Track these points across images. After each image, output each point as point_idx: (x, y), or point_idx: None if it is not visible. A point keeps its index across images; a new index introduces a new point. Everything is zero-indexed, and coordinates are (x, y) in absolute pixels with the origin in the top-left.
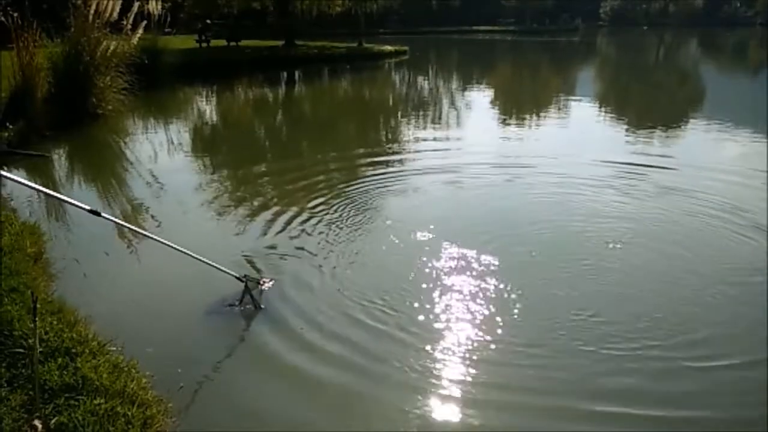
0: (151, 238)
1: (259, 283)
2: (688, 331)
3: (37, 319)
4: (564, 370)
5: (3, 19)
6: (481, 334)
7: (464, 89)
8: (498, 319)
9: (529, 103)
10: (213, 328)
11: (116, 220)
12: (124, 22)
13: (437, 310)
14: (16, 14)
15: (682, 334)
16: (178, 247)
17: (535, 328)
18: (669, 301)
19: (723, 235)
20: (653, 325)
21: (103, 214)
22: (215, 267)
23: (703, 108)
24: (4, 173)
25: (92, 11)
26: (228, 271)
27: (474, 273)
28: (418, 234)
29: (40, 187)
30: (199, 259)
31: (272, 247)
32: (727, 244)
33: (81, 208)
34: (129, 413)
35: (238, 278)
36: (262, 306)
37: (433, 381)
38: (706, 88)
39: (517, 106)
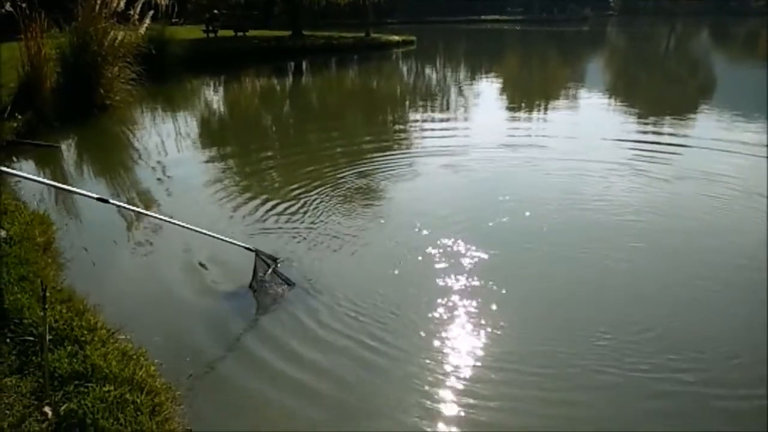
0: (160, 219)
1: (273, 260)
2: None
3: (46, 307)
4: (576, 396)
5: (11, 9)
6: (483, 348)
7: (472, 79)
8: (498, 330)
9: (538, 93)
10: (221, 317)
11: (125, 205)
12: (132, 12)
13: (428, 318)
14: (24, 5)
15: (718, 356)
16: (184, 224)
17: (540, 344)
18: (693, 310)
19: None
20: (678, 346)
21: (111, 201)
22: (225, 240)
23: (713, 98)
24: (5, 168)
25: (99, 1)
26: (238, 243)
27: (477, 271)
28: (418, 226)
29: (45, 180)
30: (208, 234)
31: (277, 234)
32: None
33: (88, 196)
34: (138, 400)
35: (247, 249)
36: (293, 282)
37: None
38: (717, 78)
39: (525, 96)
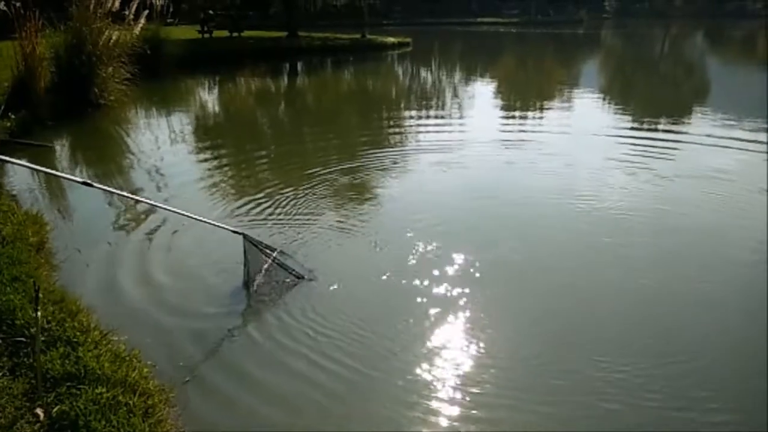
0: (145, 202)
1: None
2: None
3: (39, 308)
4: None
5: (5, 8)
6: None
7: (467, 81)
8: (488, 350)
9: (533, 94)
10: (215, 318)
11: (109, 188)
12: (126, 12)
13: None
14: (18, 4)
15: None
16: (168, 207)
17: (535, 367)
18: (712, 330)
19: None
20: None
21: (94, 184)
22: (211, 224)
23: (708, 101)
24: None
25: (94, 1)
26: (225, 226)
27: (468, 280)
28: (408, 227)
29: (31, 165)
30: (196, 218)
31: (266, 231)
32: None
33: (73, 180)
34: (131, 402)
35: (235, 232)
36: (302, 275)
37: None
38: (711, 81)
39: (520, 97)
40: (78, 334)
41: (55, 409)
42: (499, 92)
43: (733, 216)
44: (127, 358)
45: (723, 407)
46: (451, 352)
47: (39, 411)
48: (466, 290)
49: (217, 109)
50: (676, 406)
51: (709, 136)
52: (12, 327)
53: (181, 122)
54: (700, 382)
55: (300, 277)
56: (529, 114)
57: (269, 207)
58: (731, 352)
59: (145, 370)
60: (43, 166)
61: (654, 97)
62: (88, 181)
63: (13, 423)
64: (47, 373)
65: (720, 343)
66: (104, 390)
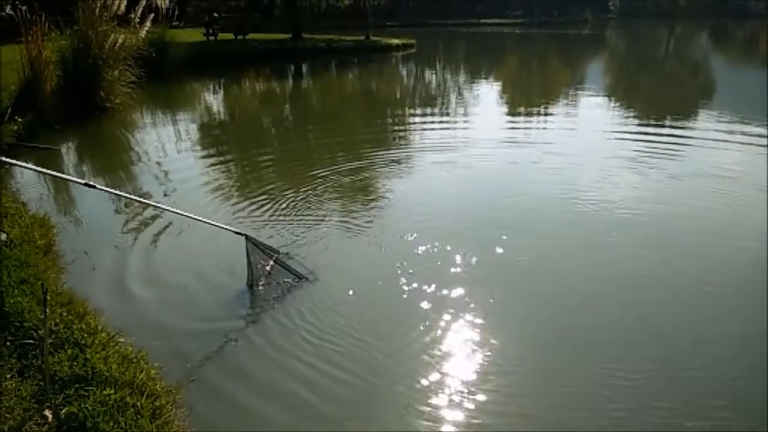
0: (146, 203)
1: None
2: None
3: (47, 310)
4: None
5: (12, 12)
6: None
7: (472, 82)
8: (489, 361)
9: (537, 94)
10: (223, 319)
11: (111, 190)
12: (132, 15)
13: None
14: (24, 7)
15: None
16: (176, 210)
17: (539, 376)
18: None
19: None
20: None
21: (97, 186)
22: (214, 225)
23: (713, 100)
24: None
25: (100, 4)
26: (227, 227)
27: (470, 284)
28: (410, 229)
29: (34, 167)
30: (200, 220)
31: (270, 234)
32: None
33: (75, 182)
34: (138, 403)
35: (237, 233)
36: (304, 275)
37: None
38: (716, 80)
39: (525, 97)
40: (86, 336)
41: (63, 411)
42: (504, 93)
43: (740, 215)
44: (135, 360)
45: (733, 414)
46: (455, 358)
47: (47, 413)
48: (471, 293)
49: (222, 110)
50: (684, 413)
51: (716, 131)
52: (20, 329)
53: (187, 124)
54: (708, 388)
55: (303, 278)
56: (534, 114)
57: (273, 207)
58: (741, 357)
59: (153, 371)
60: (48, 168)
61: (659, 96)
62: (91, 183)
63: (21, 425)
64: (55, 375)
65: (728, 345)
66: (112, 391)
